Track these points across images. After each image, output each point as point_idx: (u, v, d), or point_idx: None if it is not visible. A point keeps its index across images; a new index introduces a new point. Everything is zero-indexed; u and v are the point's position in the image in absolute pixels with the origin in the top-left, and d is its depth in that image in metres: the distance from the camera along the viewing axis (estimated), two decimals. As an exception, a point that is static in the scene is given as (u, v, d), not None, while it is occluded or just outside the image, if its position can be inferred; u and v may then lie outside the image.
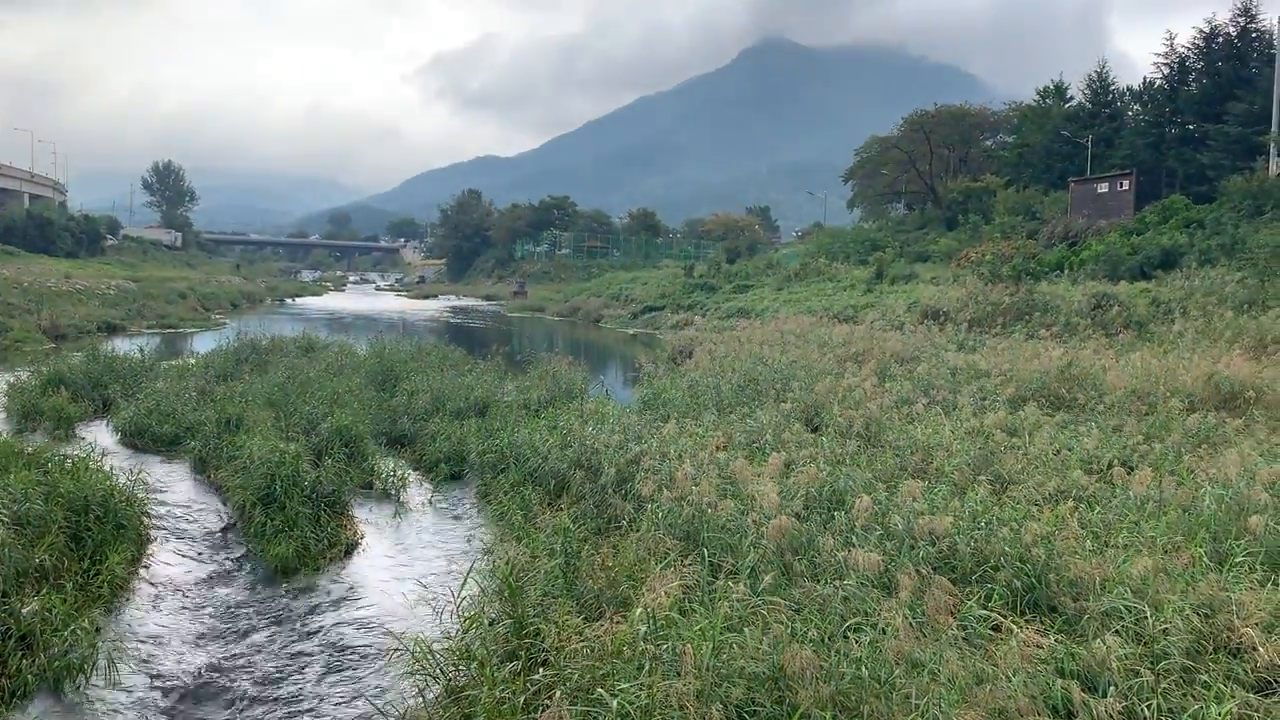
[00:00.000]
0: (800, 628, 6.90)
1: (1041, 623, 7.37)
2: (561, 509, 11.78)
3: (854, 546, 8.50)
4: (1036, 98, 69.82)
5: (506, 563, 8.86)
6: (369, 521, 13.66)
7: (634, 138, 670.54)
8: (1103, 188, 50.70)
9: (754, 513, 9.69)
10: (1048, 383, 17.71)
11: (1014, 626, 6.58)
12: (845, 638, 6.74)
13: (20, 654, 8.39)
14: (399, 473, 15.47)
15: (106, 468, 12.93)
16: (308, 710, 8.45)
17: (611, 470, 12.83)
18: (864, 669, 6.16)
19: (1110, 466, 11.86)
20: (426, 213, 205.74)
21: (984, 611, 7.26)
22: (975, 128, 78.27)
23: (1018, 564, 8.13)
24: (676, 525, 9.98)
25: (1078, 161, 58.94)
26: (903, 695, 5.89)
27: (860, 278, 50.71)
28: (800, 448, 13.07)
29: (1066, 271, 37.45)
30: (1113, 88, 62.90)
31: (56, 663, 8.43)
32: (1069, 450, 12.72)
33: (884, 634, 6.57)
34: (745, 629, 6.90)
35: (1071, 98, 66.96)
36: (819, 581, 8.06)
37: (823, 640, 6.72)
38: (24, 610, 8.73)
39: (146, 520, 12.48)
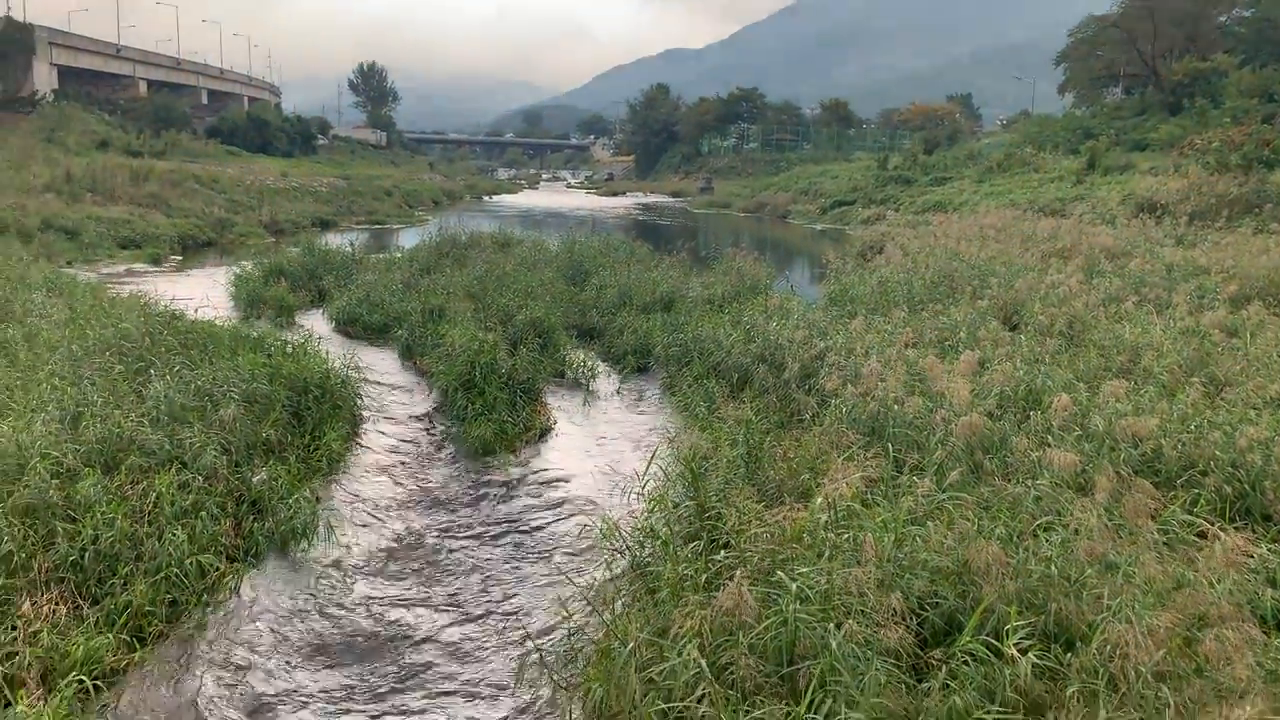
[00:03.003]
0: (987, 525, 6.77)
1: (1253, 531, 6.94)
2: (744, 402, 11.87)
3: (1049, 446, 8.21)
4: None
5: (690, 450, 9.05)
6: (561, 408, 14.21)
7: (827, 23, 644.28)
8: (1359, 64, 45.12)
9: (943, 410, 9.47)
10: (1277, 280, 16.25)
11: (1221, 533, 6.22)
12: (1035, 536, 6.57)
13: (252, 518, 9.32)
14: (588, 363, 15.95)
15: (323, 353, 13.94)
16: (503, 578, 9.04)
17: (795, 365, 12.79)
18: (1054, 568, 6.00)
19: (1346, 372, 10.85)
20: (615, 109, 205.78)
21: (1188, 516, 6.91)
22: (1207, 1, 70.78)
23: (1230, 469, 7.66)
24: (860, 420, 9.89)
25: (1330, 35, 52.58)
26: (1094, 595, 5.72)
27: (1070, 169, 47.47)
28: (996, 346, 12.60)
29: (1307, 160, 33.82)
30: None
31: (283, 527, 9.31)
32: (1297, 353, 11.70)
33: (1076, 534, 6.36)
34: (929, 523, 6.84)
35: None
36: (1010, 480, 7.85)
37: (1011, 538, 6.57)
38: (254, 479, 9.65)
39: (359, 401, 13.43)
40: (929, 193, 53.68)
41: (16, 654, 6.44)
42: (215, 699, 6.98)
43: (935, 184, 56.56)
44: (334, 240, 28.57)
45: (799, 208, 64.94)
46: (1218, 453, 7.94)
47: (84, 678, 6.51)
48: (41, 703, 6.15)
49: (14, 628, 6.66)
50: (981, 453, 8.62)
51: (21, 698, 6.10)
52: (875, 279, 20.03)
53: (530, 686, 7.17)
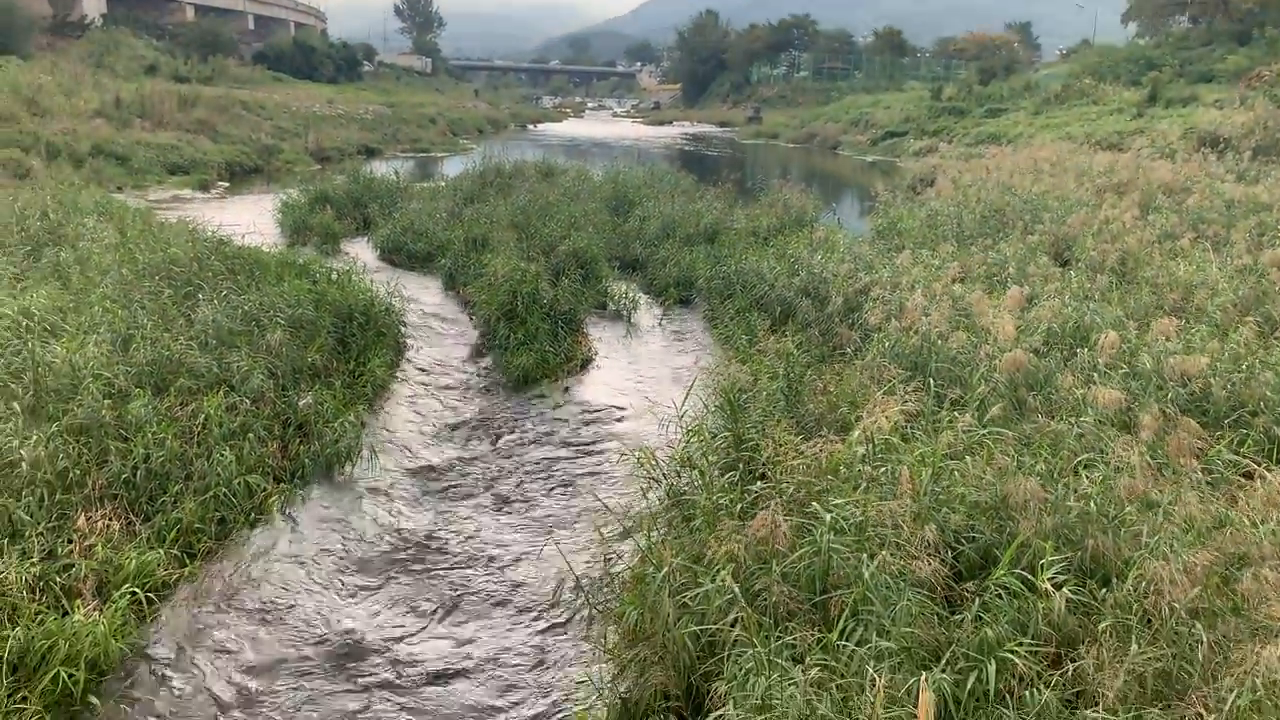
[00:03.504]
0: (1028, 461, 6.73)
1: (1302, 473, 6.83)
2: (786, 335, 11.82)
3: (1095, 384, 8.10)
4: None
5: (729, 382, 9.06)
6: (602, 340, 14.25)
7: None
8: None
9: (987, 345, 9.37)
10: (1343, 218, 15.72)
11: (1266, 474, 6.13)
12: (1075, 474, 6.52)
13: (298, 441, 9.52)
14: (630, 295, 15.94)
15: (367, 280, 14.06)
16: (542, 504, 9.17)
17: (839, 299, 12.70)
18: (1093, 504, 5.96)
19: None
20: (663, 36, 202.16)
21: (1234, 456, 6.81)
22: (1286, -77, 67.47)
23: (1280, 410, 7.51)
24: (903, 355, 9.81)
25: None
26: (1132, 532, 5.68)
27: (1130, 101, 45.96)
28: (1045, 282, 12.39)
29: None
30: None
31: (328, 450, 9.50)
32: (1359, 293, 11.36)
33: (1118, 472, 6.30)
34: (968, 458, 6.81)
35: None
36: (1053, 418, 7.77)
37: (1051, 474, 6.53)
38: (300, 403, 9.83)
39: (402, 329, 13.56)
40: (983, 124, 52.34)
41: (73, 566, 6.68)
42: (262, 613, 7.21)
43: (990, 116, 55.10)
44: (379, 168, 28.60)
45: (849, 139, 63.68)
46: (1269, 393, 7.79)
47: (137, 590, 6.75)
48: (97, 613, 6.40)
49: (70, 541, 6.91)
50: (1025, 389, 8.54)
51: (78, 607, 6.34)
52: (924, 212, 19.71)
53: (567, 609, 7.32)
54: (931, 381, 8.77)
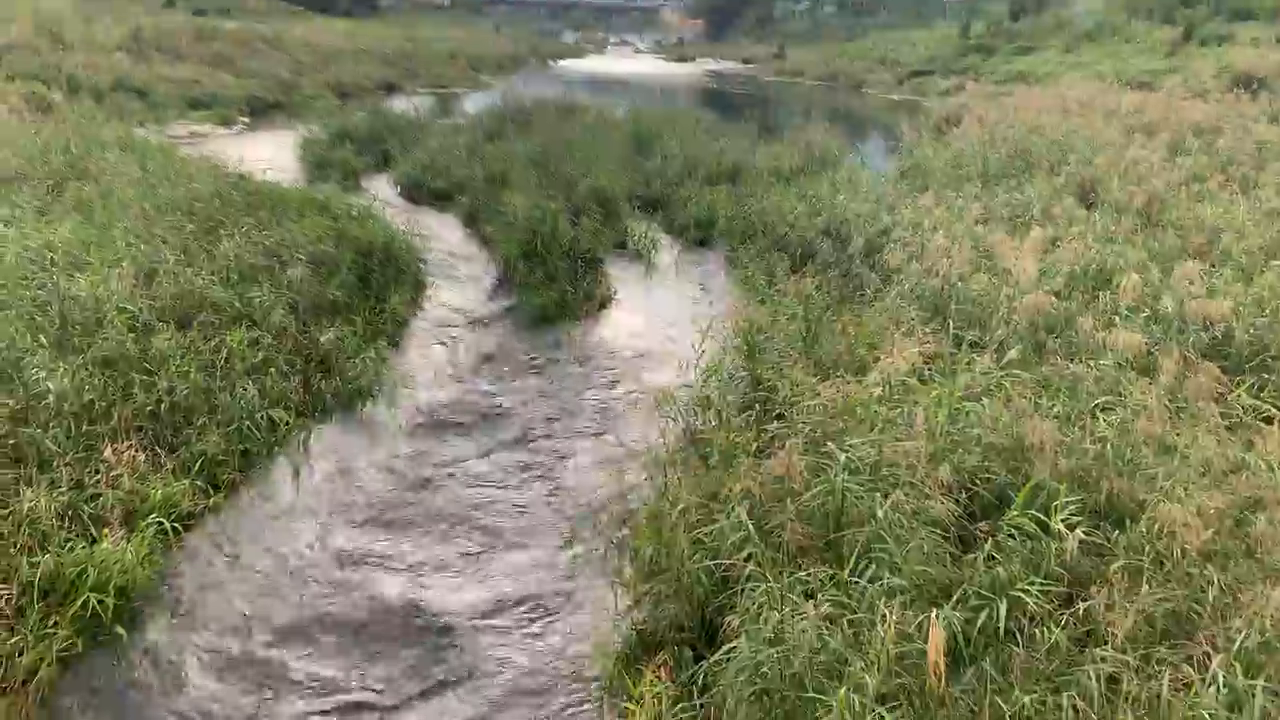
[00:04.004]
0: (1045, 403, 6.72)
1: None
2: (806, 276, 11.76)
3: (1115, 327, 8.06)
4: None
5: (748, 322, 9.06)
6: (621, 279, 14.23)
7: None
8: None
9: (1008, 288, 9.31)
10: (1378, 161, 15.39)
11: (1287, 419, 6.11)
12: (1093, 416, 6.52)
13: (319, 376, 9.62)
14: (650, 235, 15.85)
15: (388, 217, 14.05)
16: (560, 441, 9.26)
17: (860, 240, 12.61)
18: (1109, 447, 5.97)
19: None
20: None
21: (1254, 401, 6.77)
22: None
23: (1304, 356, 7.46)
24: (923, 297, 9.78)
25: None
26: (1147, 475, 5.69)
27: (1163, 39, 44.87)
28: (1070, 224, 12.25)
29: None
30: None
31: (349, 386, 9.61)
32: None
33: (1135, 415, 6.30)
34: (985, 400, 6.81)
35: None
36: (1072, 360, 7.75)
37: (1068, 417, 6.53)
38: (321, 339, 9.91)
39: (422, 267, 13.58)
40: (1012, 62, 51.33)
41: (100, 496, 6.81)
42: (284, 544, 7.36)
43: (1019, 53, 53.96)
44: (399, 104, 28.40)
45: (874, 77, 62.53)
46: (1292, 337, 7.72)
47: (163, 520, 6.89)
48: (125, 542, 6.54)
49: (97, 472, 7.04)
50: (1045, 332, 8.50)
51: (106, 536, 6.49)
52: (949, 153, 19.44)
53: (584, 543, 7.43)
54: (950, 323, 8.74)
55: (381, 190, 18.67)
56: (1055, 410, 6.56)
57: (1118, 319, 8.42)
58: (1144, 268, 9.81)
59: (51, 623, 5.86)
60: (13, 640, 5.66)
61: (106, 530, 6.58)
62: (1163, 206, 12.98)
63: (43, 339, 7.95)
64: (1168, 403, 6.48)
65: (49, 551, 6.14)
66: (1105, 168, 15.61)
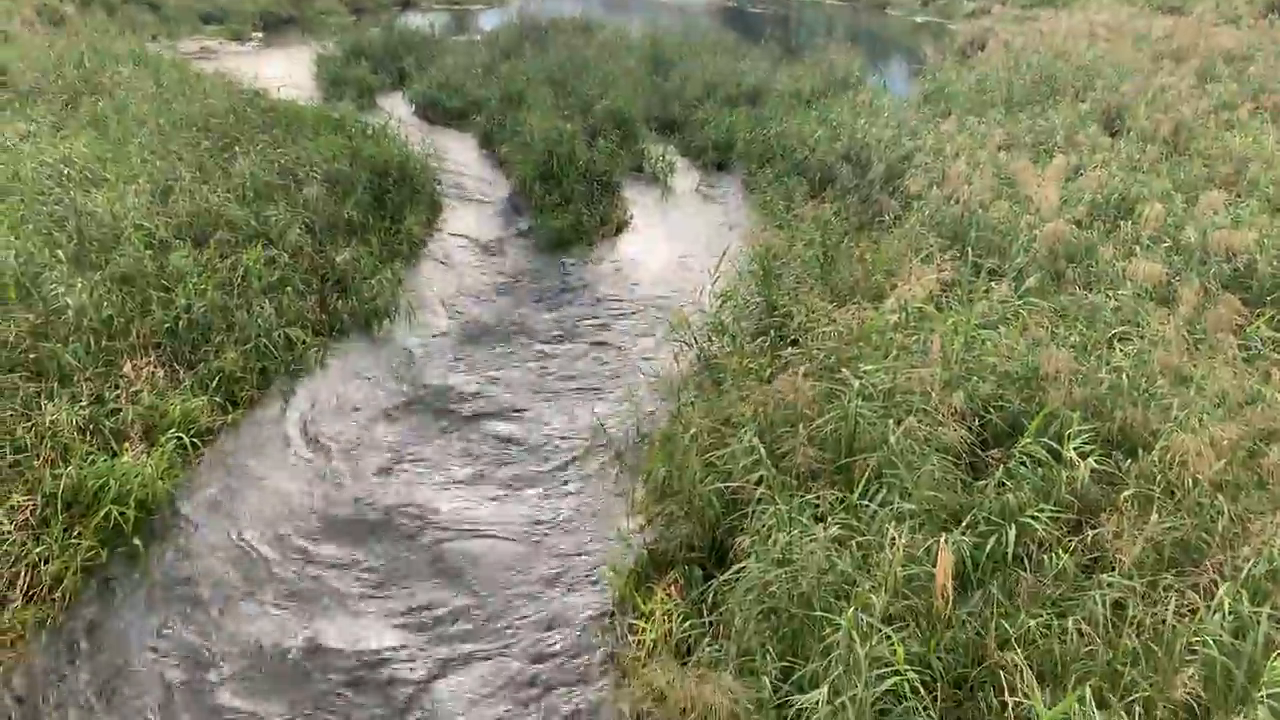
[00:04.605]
0: (1062, 332, 6.69)
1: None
2: (824, 202, 11.64)
3: (1136, 257, 7.97)
4: None
5: (764, 248, 8.99)
6: (638, 203, 14.12)
7: None
8: None
9: (1029, 216, 9.20)
10: None
11: (1306, 351, 6.07)
12: (1109, 346, 6.49)
13: (336, 296, 9.64)
14: (667, 158, 15.66)
15: (403, 136, 13.91)
16: (574, 364, 9.29)
17: (880, 165, 12.43)
18: (1124, 377, 5.95)
19: None
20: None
21: (1274, 333, 6.73)
22: None
23: (1326, 288, 7.37)
24: (943, 224, 9.66)
25: None
26: (1163, 405, 5.68)
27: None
28: (1094, 152, 12.04)
29: None
30: None
31: (365, 306, 9.63)
32: None
33: (1153, 346, 6.26)
34: (1001, 328, 6.78)
35: None
36: (1090, 290, 7.69)
37: (1084, 347, 6.51)
38: (338, 258, 9.91)
39: (438, 188, 13.49)
40: (1042, -15, 49.94)
41: (120, 410, 6.91)
42: (302, 459, 7.45)
43: (1049, -25, 52.51)
44: (414, 21, 27.92)
45: (899, -2, 61.00)
46: (1317, 270, 7.63)
47: (182, 435, 6.99)
48: (145, 456, 6.65)
49: (117, 387, 7.12)
50: (1064, 261, 8.42)
51: (126, 450, 6.59)
52: (973, 77, 19.04)
53: (598, 465, 7.50)
54: (970, 251, 8.65)
55: (397, 109, 18.46)
56: (1072, 340, 6.53)
57: (1138, 249, 8.33)
58: (1168, 197, 9.67)
59: (75, 534, 5.99)
60: (38, 549, 5.80)
61: (127, 444, 6.69)
62: (1190, 135, 12.73)
63: (60, 254, 7.98)
64: (1186, 334, 6.44)
65: (71, 464, 6.24)
66: (1132, 95, 15.28)
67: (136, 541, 6.16)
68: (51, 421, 6.45)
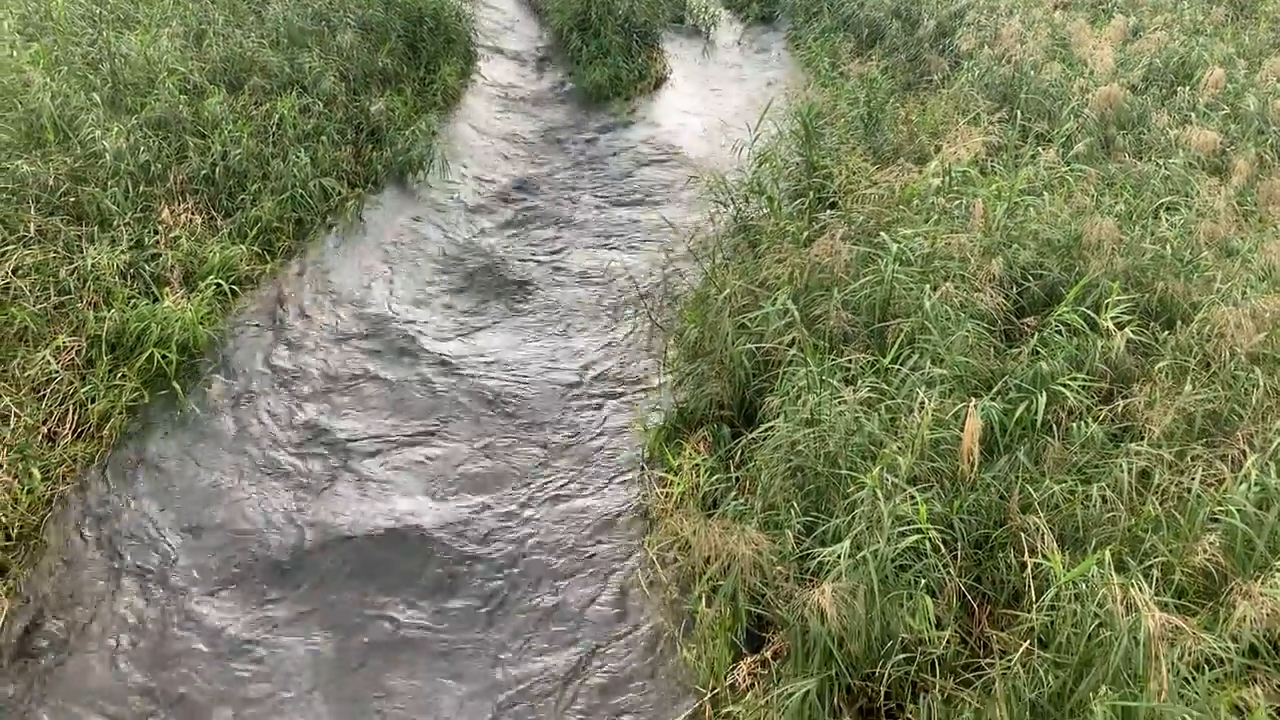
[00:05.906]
0: (1107, 200, 6.53)
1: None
2: (872, 60, 11.26)
3: (1191, 124, 7.70)
4: None
5: (807, 106, 8.75)
6: (677, 56, 13.73)
7: None
8: None
9: (1083, 79, 8.86)
10: None
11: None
12: (1155, 216, 6.34)
13: (370, 147, 9.56)
14: (710, 9, 15.13)
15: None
16: (610, 221, 9.24)
17: (931, 22, 11.93)
18: (1169, 247, 5.83)
19: None
20: None
21: (1329, 206, 6.54)
22: None
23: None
24: (992, 85, 9.34)
25: None
26: (1205, 277, 5.59)
27: None
28: (1155, 12, 11.47)
29: None
30: None
31: (400, 157, 9.54)
32: None
33: (1200, 216, 6.11)
34: (1046, 194, 6.63)
35: None
36: (1141, 158, 7.46)
37: (1130, 215, 6.36)
38: (372, 108, 9.77)
39: (473, 37, 13.14)
40: None
41: (160, 256, 6.98)
42: (338, 308, 7.55)
43: None
44: None
45: None
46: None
47: (221, 281, 7.08)
48: (185, 300, 6.75)
49: (156, 233, 7.17)
50: (1115, 127, 8.15)
51: (166, 295, 6.70)
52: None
53: (631, 324, 7.54)
54: (1019, 114, 8.39)
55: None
56: (1117, 208, 6.38)
57: (1194, 116, 8.03)
58: (1230, 62, 9.26)
59: (120, 375, 6.16)
60: (85, 389, 5.97)
61: (167, 290, 6.78)
62: (1261, -5, 12.07)
63: (96, 97, 7.92)
64: (1236, 205, 6.27)
65: (114, 307, 6.36)
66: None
67: (175, 385, 6.32)
68: (93, 265, 6.53)
